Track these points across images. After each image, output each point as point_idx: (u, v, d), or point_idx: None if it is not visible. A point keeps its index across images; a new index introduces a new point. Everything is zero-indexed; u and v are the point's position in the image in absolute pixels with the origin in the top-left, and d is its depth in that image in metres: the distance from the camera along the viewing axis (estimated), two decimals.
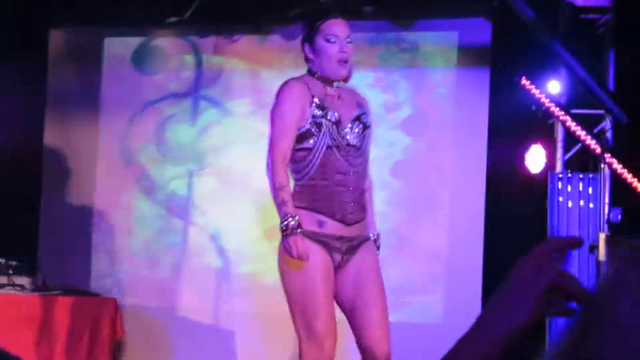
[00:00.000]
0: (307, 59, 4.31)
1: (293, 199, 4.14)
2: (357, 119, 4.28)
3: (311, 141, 4.16)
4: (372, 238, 4.30)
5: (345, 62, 4.25)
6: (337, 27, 4.25)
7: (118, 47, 7.66)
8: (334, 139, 4.17)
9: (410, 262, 6.76)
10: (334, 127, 4.18)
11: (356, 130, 4.25)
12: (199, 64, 7.48)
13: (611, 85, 6.44)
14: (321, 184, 4.16)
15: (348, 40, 4.26)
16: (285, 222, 4.08)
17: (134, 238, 7.41)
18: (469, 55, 6.96)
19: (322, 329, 4.07)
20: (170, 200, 7.39)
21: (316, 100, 4.19)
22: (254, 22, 7.16)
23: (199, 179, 7.37)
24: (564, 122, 6.40)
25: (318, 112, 4.18)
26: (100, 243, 7.43)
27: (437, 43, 6.99)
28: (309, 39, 4.28)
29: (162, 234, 7.36)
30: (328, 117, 4.18)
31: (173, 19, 7.24)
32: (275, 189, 4.12)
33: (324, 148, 4.16)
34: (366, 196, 4.35)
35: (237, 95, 7.38)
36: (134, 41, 7.62)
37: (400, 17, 7.03)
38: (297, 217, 4.07)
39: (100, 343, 6.09)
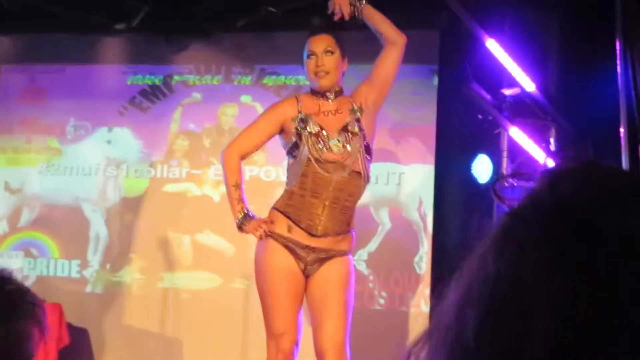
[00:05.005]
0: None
1: (276, 202, 4.39)
2: (344, 129, 4.37)
3: (297, 152, 4.33)
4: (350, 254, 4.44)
5: (325, 73, 4.35)
6: (313, 43, 4.37)
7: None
8: (316, 151, 4.30)
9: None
10: (315, 139, 4.32)
11: (342, 141, 4.35)
12: (146, 72, 7.40)
13: (557, 94, 6.50)
14: (298, 193, 4.32)
15: (327, 51, 4.35)
16: (237, 221, 4.30)
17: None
18: (417, 63, 6.96)
19: (279, 327, 4.31)
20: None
21: (300, 115, 4.34)
22: (202, 30, 7.12)
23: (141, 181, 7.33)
24: (509, 132, 6.45)
25: (300, 126, 4.32)
26: None
27: None
28: (304, 58, 4.42)
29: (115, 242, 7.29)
30: (308, 130, 4.31)
31: (120, 26, 7.16)
32: (229, 186, 4.34)
33: (306, 160, 4.31)
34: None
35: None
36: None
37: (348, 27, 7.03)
38: (244, 212, 4.28)
39: (45, 349, 6.03)
